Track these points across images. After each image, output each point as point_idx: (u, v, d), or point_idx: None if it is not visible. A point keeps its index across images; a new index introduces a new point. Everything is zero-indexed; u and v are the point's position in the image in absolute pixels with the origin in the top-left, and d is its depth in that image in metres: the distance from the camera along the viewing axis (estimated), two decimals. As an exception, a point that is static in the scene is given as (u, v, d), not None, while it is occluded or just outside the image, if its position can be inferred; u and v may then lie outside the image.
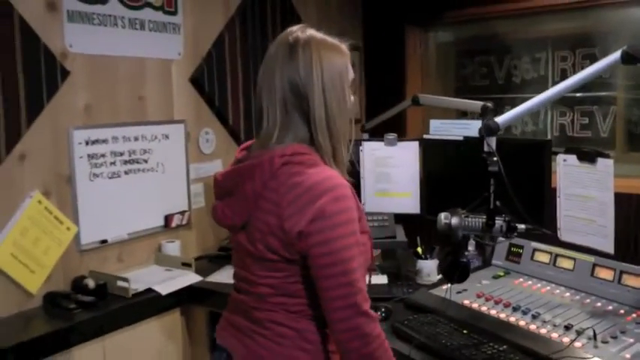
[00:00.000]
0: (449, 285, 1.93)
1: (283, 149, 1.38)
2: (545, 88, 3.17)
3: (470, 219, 1.73)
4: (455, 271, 1.76)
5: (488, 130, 1.78)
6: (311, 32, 1.45)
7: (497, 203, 1.73)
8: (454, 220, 1.72)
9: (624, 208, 2.84)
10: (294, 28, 1.48)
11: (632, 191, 2.87)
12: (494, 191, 1.73)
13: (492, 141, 1.78)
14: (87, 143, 2.38)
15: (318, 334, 1.43)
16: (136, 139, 2.57)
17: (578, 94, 3.35)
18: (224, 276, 2.56)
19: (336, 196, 1.34)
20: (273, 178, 1.37)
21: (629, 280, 1.93)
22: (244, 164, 1.44)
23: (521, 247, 2.25)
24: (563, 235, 2.05)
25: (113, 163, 2.48)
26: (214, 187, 1.53)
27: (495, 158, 1.75)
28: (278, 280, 1.41)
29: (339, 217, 1.33)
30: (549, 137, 3.53)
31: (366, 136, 3.41)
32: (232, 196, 1.44)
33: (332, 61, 1.42)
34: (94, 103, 2.40)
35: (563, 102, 3.45)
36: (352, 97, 1.50)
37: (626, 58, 1.65)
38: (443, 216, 1.74)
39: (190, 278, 2.49)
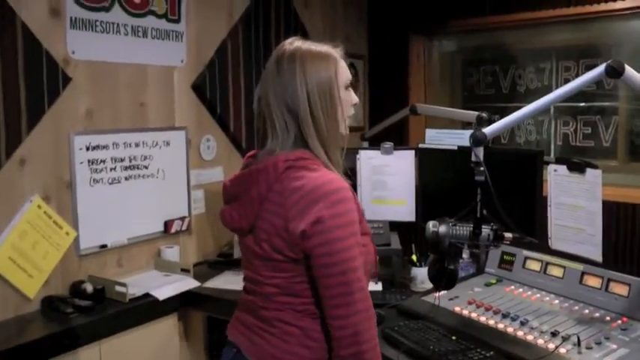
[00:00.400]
0: (438, 292, 1.95)
1: (287, 154, 1.43)
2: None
3: (457, 227, 1.75)
4: (442, 278, 1.78)
5: (476, 140, 1.81)
6: (297, 44, 1.49)
7: (484, 212, 1.74)
8: (442, 229, 1.75)
9: (621, 217, 2.86)
10: (286, 41, 1.52)
11: (632, 201, 2.87)
12: (482, 200, 1.75)
13: (480, 151, 1.80)
14: (87, 149, 2.42)
15: (322, 333, 1.46)
16: (137, 145, 2.61)
17: (581, 104, 3.38)
18: (222, 282, 2.59)
19: (337, 199, 1.38)
20: (277, 181, 1.42)
21: (616, 288, 1.95)
22: (250, 169, 1.49)
23: (514, 255, 2.26)
24: (554, 244, 2.07)
25: (113, 169, 2.52)
26: (223, 192, 1.58)
27: (482, 168, 1.77)
28: (283, 280, 1.45)
29: (340, 220, 1.37)
30: (552, 146, 3.55)
31: (366, 144, 3.44)
32: (239, 200, 1.50)
33: (317, 70, 1.45)
34: (96, 109, 2.44)
35: (567, 112, 3.48)
36: (353, 96, 1.55)
37: (610, 72, 1.68)
38: (431, 224, 1.76)
39: (188, 283, 2.53)
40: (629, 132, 3.30)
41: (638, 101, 3.23)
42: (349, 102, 1.53)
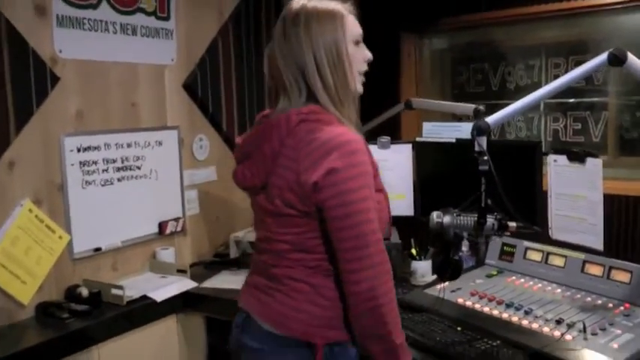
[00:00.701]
0: (443, 283, 1.93)
1: (299, 109, 1.42)
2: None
3: (462, 218, 1.74)
4: (447, 269, 1.76)
5: (479, 130, 1.79)
6: (303, 2, 1.47)
7: (489, 202, 1.73)
8: (446, 219, 1.73)
9: (615, 209, 2.86)
10: None
11: (622, 193, 2.89)
12: (486, 190, 1.74)
13: (483, 141, 1.79)
14: (78, 150, 2.37)
15: (336, 290, 1.44)
16: (129, 145, 2.57)
17: (571, 100, 3.39)
18: (220, 281, 2.56)
19: (350, 150, 1.36)
20: (290, 135, 1.40)
21: (618, 276, 1.95)
22: (262, 126, 1.48)
23: (514, 246, 2.25)
24: (555, 234, 2.07)
25: (106, 170, 2.48)
26: (235, 152, 1.58)
27: (486, 157, 1.76)
28: (295, 235, 1.44)
29: (353, 171, 1.35)
30: (543, 142, 3.54)
31: (359, 140, 3.41)
32: (251, 158, 1.49)
33: (322, 30, 1.43)
34: (86, 109, 2.40)
35: (557, 108, 3.49)
36: (366, 52, 1.53)
37: (613, 60, 1.68)
38: (435, 215, 1.75)
39: (186, 284, 2.49)
40: (618, 127, 3.31)
41: (627, 96, 3.25)
42: (359, 58, 1.51)
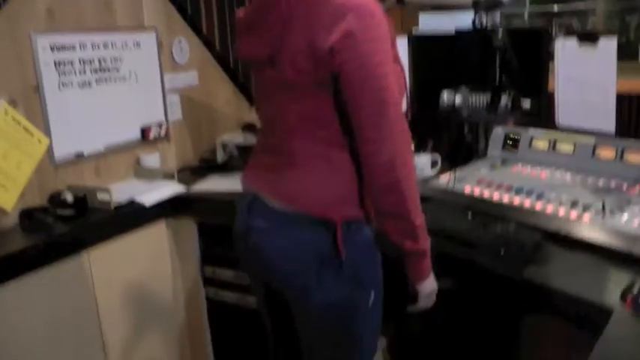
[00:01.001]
0: (451, 172, 1.87)
1: None
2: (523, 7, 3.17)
3: (474, 96, 1.65)
4: (459, 152, 1.69)
5: (492, 4, 1.68)
6: None
7: (503, 78, 1.64)
8: (458, 98, 1.64)
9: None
10: None
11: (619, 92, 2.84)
12: (500, 66, 1.65)
13: (496, 16, 1.68)
14: (52, 49, 2.20)
15: (351, 165, 1.35)
16: (105, 46, 2.40)
17: (556, 8, 3.31)
18: (210, 184, 2.47)
19: (367, 12, 1.26)
20: (299, 1, 1.30)
21: (631, 157, 1.89)
22: None
23: (518, 135, 2.18)
24: (562, 119, 2.00)
25: (82, 72, 2.31)
26: (237, 25, 1.48)
27: (500, 33, 1.66)
28: (308, 106, 1.35)
29: (370, 33, 1.26)
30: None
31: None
32: (257, 27, 1.38)
33: None
34: (57, 6, 2.21)
35: (541, 15, 3.41)
36: None
37: None
38: (446, 94, 1.65)
39: (175, 188, 2.39)
40: (606, 32, 3.25)
41: (615, 1, 3.19)
42: None
